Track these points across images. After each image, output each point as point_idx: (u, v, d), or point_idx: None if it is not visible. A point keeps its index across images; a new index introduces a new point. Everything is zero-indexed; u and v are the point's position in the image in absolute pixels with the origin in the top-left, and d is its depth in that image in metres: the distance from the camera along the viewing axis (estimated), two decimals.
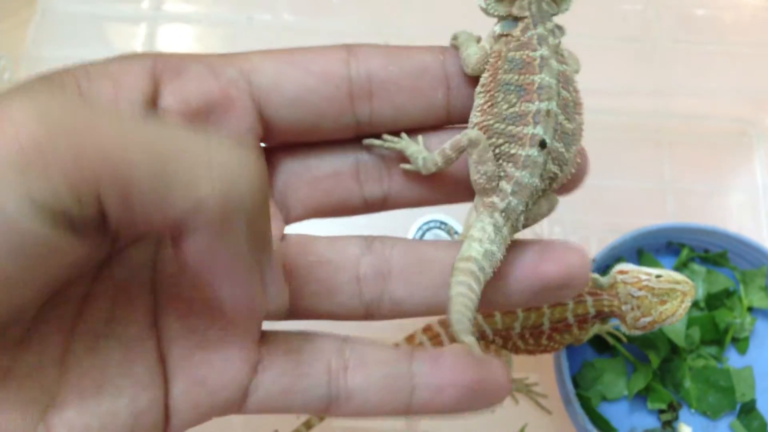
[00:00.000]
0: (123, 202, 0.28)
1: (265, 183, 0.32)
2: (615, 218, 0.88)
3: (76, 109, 0.28)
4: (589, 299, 0.74)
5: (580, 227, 0.88)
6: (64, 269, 0.31)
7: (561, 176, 0.43)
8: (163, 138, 0.28)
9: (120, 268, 0.39)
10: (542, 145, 0.41)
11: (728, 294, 0.83)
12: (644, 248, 0.85)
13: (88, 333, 0.37)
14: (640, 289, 0.72)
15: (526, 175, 0.42)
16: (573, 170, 0.44)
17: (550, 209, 0.44)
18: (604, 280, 0.76)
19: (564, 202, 0.88)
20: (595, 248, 0.87)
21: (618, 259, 0.84)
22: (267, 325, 0.42)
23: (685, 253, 0.84)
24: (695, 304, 0.83)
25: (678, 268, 0.85)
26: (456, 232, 0.87)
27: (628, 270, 0.74)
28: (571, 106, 0.42)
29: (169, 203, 0.28)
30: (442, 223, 0.87)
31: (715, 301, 0.82)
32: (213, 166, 0.29)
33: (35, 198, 0.26)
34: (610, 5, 0.94)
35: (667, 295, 0.72)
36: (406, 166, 0.44)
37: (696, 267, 0.84)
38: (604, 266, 0.83)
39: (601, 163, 0.90)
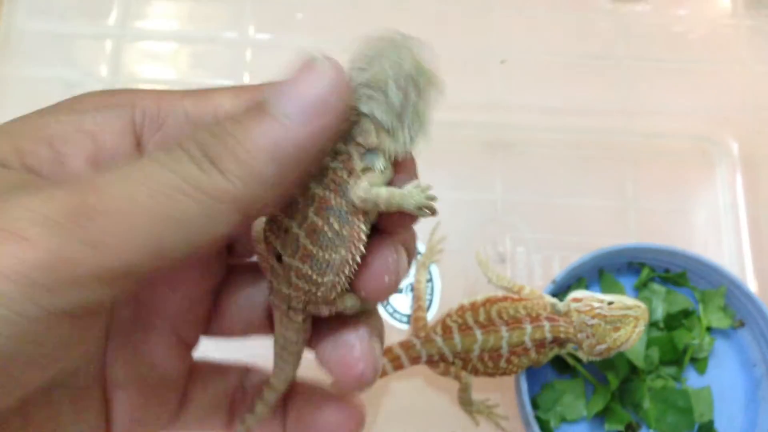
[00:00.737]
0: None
1: None
2: (577, 237, 0.88)
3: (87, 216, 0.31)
4: (547, 324, 0.75)
5: (542, 246, 0.88)
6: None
7: (320, 295, 0.41)
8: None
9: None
10: (278, 258, 0.42)
11: (687, 314, 0.83)
12: (605, 268, 0.86)
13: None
14: (593, 317, 0.73)
15: (275, 282, 0.43)
16: (337, 294, 0.42)
17: (354, 305, 0.42)
18: (561, 306, 0.76)
19: (526, 221, 0.89)
20: (557, 267, 0.88)
21: (579, 280, 0.85)
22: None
23: (645, 273, 0.85)
24: (654, 324, 0.83)
25: (638, 288, 0.85)
26: (419, 253, 0.87)
27: (581, 297, 0.74)
28: (323, 235, 0.40)
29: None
30: None
31: (674, 321, 0.83)
32: None
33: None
34: (574, 24, 0.94)
35: (620, 321, 0.72)
36: None
37: (656, 287, 0.85)
38: (565, 286, 0.83)
39: (563, 181, 0.92)
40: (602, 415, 0.81)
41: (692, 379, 0.84)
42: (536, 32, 0.93)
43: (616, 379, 0.80)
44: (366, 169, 0.39)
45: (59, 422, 0.38)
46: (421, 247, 0.88)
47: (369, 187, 0.39)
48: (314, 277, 0.40)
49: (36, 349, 0.31)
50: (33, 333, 0.31)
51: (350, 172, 0.39)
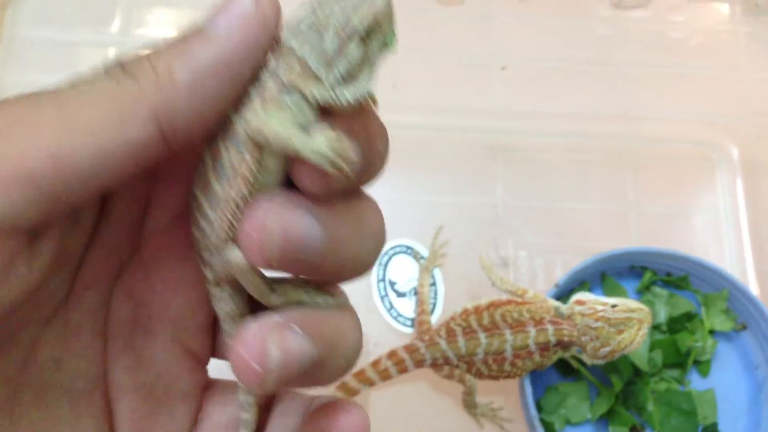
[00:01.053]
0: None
1: None
2: (579, 241, 0.89)
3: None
4: (551, 327, 0.75)
5: (544, 250, 0.89)
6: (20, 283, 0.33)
7: (210, 239, 0.39)
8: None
9: (75, 311, 0.39)
10: (193, 193, 0.39)
11: (690, 317, 0.84)
12: (607, 272, 0.86)
13: (33, 384, 0.37)
14: (596, 320, 0.73)
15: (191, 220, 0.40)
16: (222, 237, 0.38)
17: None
18: (564, 309, 0.76)
19: (528, 225, 0.89)
20: (560, 271, 0.88)
21: (581, 283, 0.85)
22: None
23: (647, 276, 0.85)
24: (657, 327, 0.83)
25: (640, 291, 0.86)
26: (422, 257, 0.87)
27: (585, 300, 0.75)
28: (221, 165, 0.37)
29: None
30: (407, 247, 0.88)
31: (676, 324, 0.83)
32: None
33: None
34: (576, 30, 0.95)
35: (623, 324, 0.73)
36: None
37: (658, 290, 0.85)
38: (567, 290, 0.84)
39: (565, 185, 0.92)
40: (606, 418, 0.81)
41: (695, 382, 0.84)
42: (536, 38, 0.93)
43: (620, 382, 0.80)
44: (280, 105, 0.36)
45: (54, 425, 0.37)
46: (423, 251, 0.88)
47: (265, 116, 0.36)
48: (207, 210, 0.38)
49: None
50: None
51: (263, 101, 0.36)
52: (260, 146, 0.36)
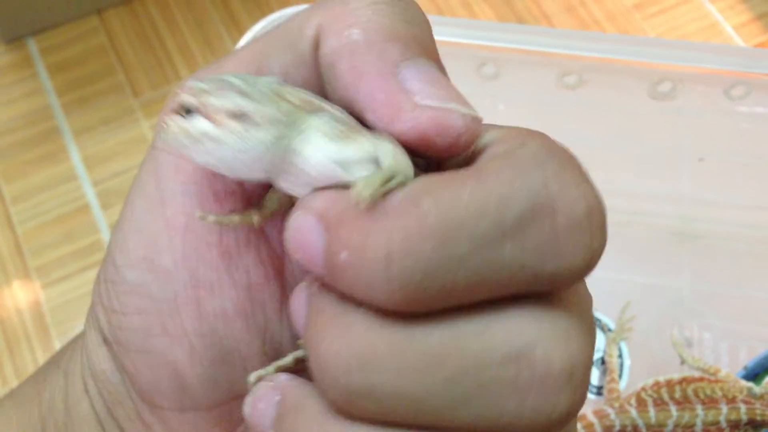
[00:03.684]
0: None
1: None
2: (765, 328, 0.92)
3: None
4: (743, 407, 0.79)
5: (729, 335, 0.93)
6: None
7: None
8: None
9: None
10: None
11: None
12: None
13: None
14: None
15: None
16: None
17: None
18: (757, 389, 0.80)
19: (714, 309, 0.94)
20: (744, 355, 0.91)
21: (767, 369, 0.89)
22: None
23: None
24: None
25: None
26: (609, 329, 0.93)
27: None
28: None
29: None
30: (596, 318, 0.94)
31: None
32: None
33: None
34: (729, 126, 1.00)
35: None
36: None
37: None
38: (754, 374, 0.87)
39: (752, 274, 0.96)
40: None
41: None
42: (738, 131, 0.99)
43: None
44: None
45: None
46: (610, 323, 0.94)
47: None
48: None
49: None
50: None
51: None
52: None
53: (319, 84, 0.31)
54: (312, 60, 0.31)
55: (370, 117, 0.28)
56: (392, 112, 0.27)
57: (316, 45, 0.30)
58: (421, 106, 0.27)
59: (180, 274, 0.31)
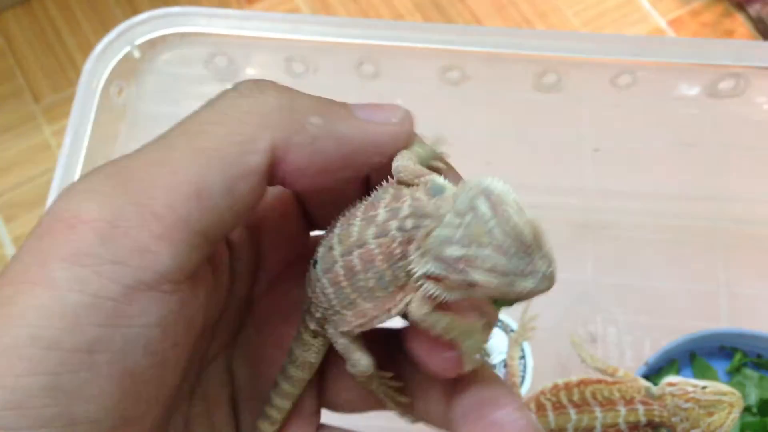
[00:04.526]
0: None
1: None
2: (668, 320, 0.90)
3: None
4: (641, 407, 0.77)
5: (633, 328, 0.91)
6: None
7: (336, 319, 0.40)
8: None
9: (209, 384, 0.43)
10: (314, 263, 0.40)
11: None
12: (697, 352, 0.87)
13: None
14: (687, 401, 0.75)
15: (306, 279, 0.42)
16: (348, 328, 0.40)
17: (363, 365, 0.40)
18: (655, 389, 0.78)
19: (618, 302, 0.92)
20: (648, 348, 0.90)
21: (671, 362, 0.87)
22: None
23: (737, 357, 0.86)
24: (748, 410, 0.84)
25: (731, 373, 0.87)
26: (512, 330, 0.91)
27: (676, 382, 0.77)
28: (359, 280, 0.38)
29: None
30: (498, 320, 0.91)
31: (767, 407, 0.84)
32: None
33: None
34: (670, 108, 0.97)
35: (713, 406, 0.74)
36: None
37: (748, 372, 0.86)
38: (657, 368, 0.85)
39: (654, 264, 0.94)
40: None
41: None
42: (628, 122, 0.96)
43: None
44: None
45: None
46: (513, 324, 0.91)
47: (424, 305, 0.36)
48: (334, 302, 0.39)
49: (142, 332, 0.32)
50: (124, 316, 0.31)
51: (404, 256, 0.36)
52: (406, 291, 0.37)
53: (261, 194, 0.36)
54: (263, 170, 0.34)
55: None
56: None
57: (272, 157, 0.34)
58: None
59: None
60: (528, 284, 0.33)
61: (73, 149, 0.76)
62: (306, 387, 0.44)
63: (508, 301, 0.39)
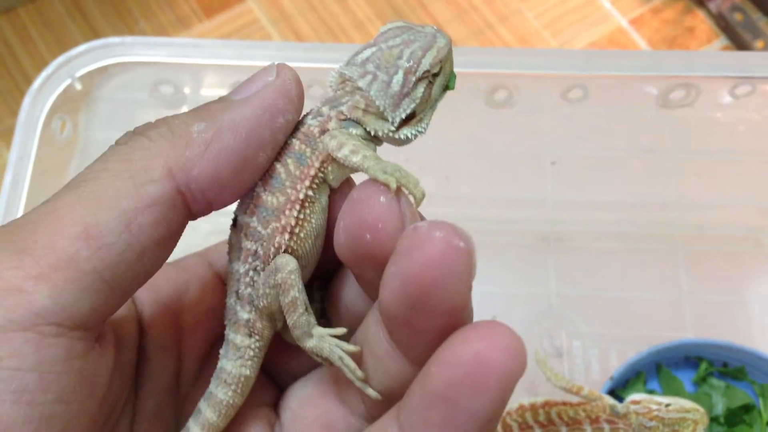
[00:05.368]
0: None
1: None
2: (633, 330, 0.90)
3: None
4: (606, 426, 0.76)
5: (599, 340, 0.90)
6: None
7: (263, 255, 0.40)
8: None
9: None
10: (234, 222, 0.41)
11: (748, 409, 0.83)
12: (663, 363, 0.86)
13: None
14: (651, 419, 0.74)
15: (228, 260, 0.42)
16: (275, 249, 0.40)
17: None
18: (620, 407, 0.77)
19: (582, 315, 0.91)
20: (614, 360, 0.89)
21: (637, 374, 0.86)
22: None
23: (703, 367, 0.86)
24: (715, 419, 0.83)
25: (697, 383, 0.86)
26: None
27: (639, 400, 0.76)
28: (276, 177, 0.40)
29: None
30: None
31: (734, 417, 0.83)
32: None
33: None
34: (624, 119, 0.96)
35: (678, 424, 0.73)
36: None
37: (715, 382, 0.85)
38: (623, 381, 0.84)
39: (617, 275, 0.93)
40: None
41: None
42: (584, 132, 0.95)
43: None
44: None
45: None
46: None
47: (344, 139, 0.39)
48: (259, 228, 0.40)
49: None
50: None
51: (323, 131, 0.40)
52: (328, 161, 0.40)
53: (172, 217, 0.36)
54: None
55: None
56: None
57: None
58: None
59: None
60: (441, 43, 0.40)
61: (14, 187, 0.74)
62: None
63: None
